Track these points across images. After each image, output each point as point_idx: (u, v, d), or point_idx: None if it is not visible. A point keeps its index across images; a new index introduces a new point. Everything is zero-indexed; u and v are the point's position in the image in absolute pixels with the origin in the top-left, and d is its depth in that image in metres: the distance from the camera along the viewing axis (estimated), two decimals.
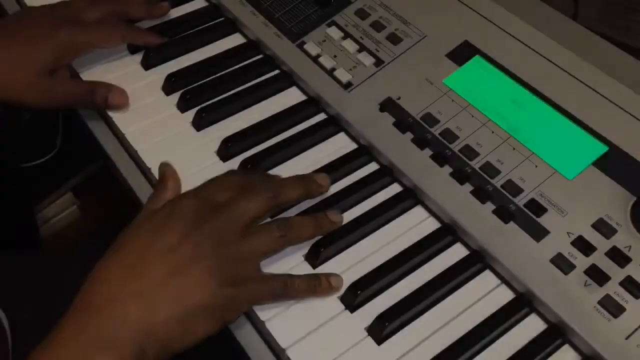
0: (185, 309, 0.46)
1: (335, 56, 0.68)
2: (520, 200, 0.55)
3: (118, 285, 0.47)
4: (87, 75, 0.70)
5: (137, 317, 0.46)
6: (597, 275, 0.51)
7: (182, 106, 0.67)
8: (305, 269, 0.55)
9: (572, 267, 0.51)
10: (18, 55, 0.64)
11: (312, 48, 0.69)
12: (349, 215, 0.58)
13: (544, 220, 0.54)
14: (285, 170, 0.61)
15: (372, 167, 0.62)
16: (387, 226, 0.58)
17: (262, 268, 0.53)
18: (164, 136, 0.65)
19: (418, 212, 0.59)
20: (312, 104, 0.67)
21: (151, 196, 0.55)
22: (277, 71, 0.71)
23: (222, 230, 0.49)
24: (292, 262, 0.55)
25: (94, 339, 0.45)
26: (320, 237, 0.56)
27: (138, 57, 0.72)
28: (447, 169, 0.58)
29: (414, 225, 0.58)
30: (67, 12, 0.68)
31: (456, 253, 0.56)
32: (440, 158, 0.59)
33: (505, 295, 0.53)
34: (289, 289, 0.51)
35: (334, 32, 0.69)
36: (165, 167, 0.57)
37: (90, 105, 0.67)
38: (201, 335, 0.48)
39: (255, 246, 0.51)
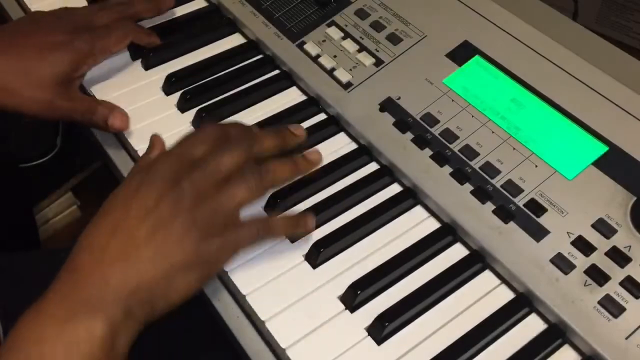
0: (167, 267, 0.47)
1: (335, 56, 0.68)
2: (520, 200, 0.55)
3: (100, 251, 0.47)
4: (88, 76, 0.70)
5: (120, 279, 0.46)
6: (597, 275, 0.51)
7: (182, 106, 0.67)
8: (306, 268, 0.55)
9: (572, 267, 0.51)
10: (30, 65, 0.62)
11: (312, 48, 0.69)
12: (349, 215, 0.58)
13: (544, 220, 0.54)
14: None
15: (372, 167, 0.62)
16: (387, 226, 0.58)
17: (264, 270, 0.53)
18: (164, 136, 0.64)
19: (418, 212, 0.59)
20: (312, 104, 0.67)
21: (136, 164, 0.57)
22: (277, 71, 0.71)
23: (198, 185, 0.50)
24: (292, 262, 0.55)
25: (79, 302, 0.45)
26: (320, 237, 0.56)
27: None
28: (447, 169, 0.58)
29: (414, 225, 0.58)
30: (80, 19, 0.67)
31: (456, 253, 0.56)
32: (440, 158, 0.59)
33: (505, 295, 0.53)
34: (268, 229, 0.52)
35: (334, 32, 0.69)
36: (154, 137, 0.58)
37: (89, 124, 0.65)
38: (185, 292, 0.49)
39: (232, 196, 0.51)
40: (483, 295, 0.53)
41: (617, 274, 0.51)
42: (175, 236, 0.48)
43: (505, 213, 0.55)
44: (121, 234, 0.47)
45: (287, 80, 0.70)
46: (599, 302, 0.50)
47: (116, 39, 0.67)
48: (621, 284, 0.50)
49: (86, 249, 0.48)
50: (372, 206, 0.58)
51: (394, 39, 0.67)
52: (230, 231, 0.50)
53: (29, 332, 0.44)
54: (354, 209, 0.59)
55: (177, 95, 0.68)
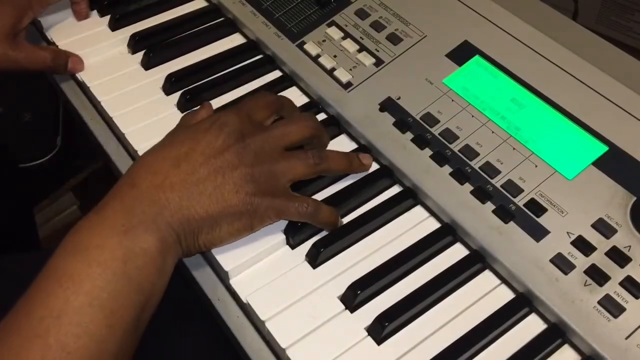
0: (219, 209, 0.51)
1: (335, 56, 0.68)
2: (520, 200, 0.55)
3: (163, 175, 0.51)
4: (87, 75, 0.71)
5: (177, 206, 0.50)
6: (597, 275, 0.51)
7: (182, 106, 0.67)
8: (306, 268, 0.55)
9: (572, 267, 0.51)
10: None
11: (312, 48, 0.69)
12: (349, 215, 0.58)
13: (544, 220, 0.54)
14: None
15: (372, 167, 0.62)
16: (387, 226, 0.58)
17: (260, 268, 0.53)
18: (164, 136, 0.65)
19: (418, 212, 0.59)
20: (312, 104, 0.67)
21: (188, 112, 0.61)
22: (277, 71, 0.71)
23: (262, 146, 0.54)
24: (292, 262, 0.55)
25: (138, 218, 0.49)
26: (323, 235, 0.56)
27: (138, 57, 0.72)
28: (447, 169, 0.58)
29: (414, 225, 0.58)
30: None
31: (456, 253, 0.56)
32: (440, 158, 0.59)
33: (505, 295, 0.53)
34: (314, 212, 0.55)
35: (334, 32, 0.69)
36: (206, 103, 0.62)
37: (52, 70, 0.71)
38: (227, 236, 0.53)
39: (290, 167, 0.55)
40: (483, 295, 0.53)
41: (617, 274, 0.51)
42: (232, 184, 0.52)
43: (505, 213, 0.55)
44: (185, 166, 0.52)
45: (287, 80, 0.70)
46: (599, 302, 0.50)
47: None
48: (621, 284, 0.50)
49: (148, 170, 0.52)
50: (372, 206, 0.58)
51: (394, 39, 0.67)
52: (281, 197, 0.54)
53: (90, 237, 0.48)
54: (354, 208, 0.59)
55: (177, 95, 0.68)
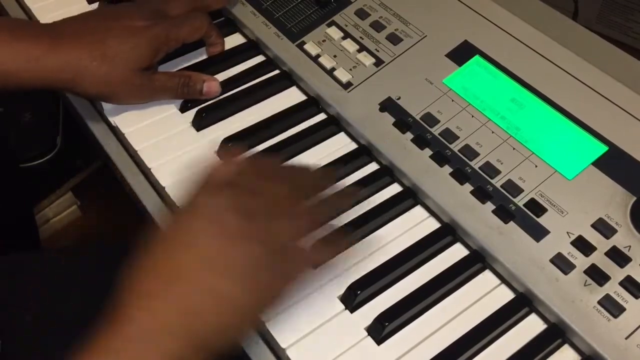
0: (221, 320, 0.45)
1: (335, 56, 0.68)
2: (520, 200, 0.55)
3: (165, 286, 0.45)
4: None
5: (179, 324, 0.44)
6: (597, 275, 0.51)
7: (182, 106, 0.67)
8: None
9: (572, 267, 0.51)
10: (115, 49, 0.63)
11: (312, 48, 0.69)
12: (349, 215, 0.58)
13: (544, 220, 0.54)
14: None
15: (372, 167, 0.62)
16: (387, 226, 0.58)
17: None
18: (164, 136, 0.65)
19: (418, 212, 0.59)
20: (312, 104, 0.67)
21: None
22: (277, 71, 0.71)
23: (253, 254, 0.46)
24: None
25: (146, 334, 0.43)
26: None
27: None
28: (447, 169, 0.58)
29: (414, 225, 0.58)
30: (156, 7, 0.68)
31: (456, 253, 0.56)
32: (440, 158, 0.59)
33: (505, 295, 0.53)
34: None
35: (334, 32, 0.69)
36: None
37: (185, 96, 0.68)
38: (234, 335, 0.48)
39: (288, 269, 0.49)
40: (483, 295, 0.53)
41: (617, 274, 0.51)
42: (226, 292, 0.45)
43: (505, 213, 0.55)
44: (185, 281, 0.45)
45: (287, 80, 0.70)
46: (598, 302, 0.50)
47: (190, 29, 0.68)
48: (621, 284, 0.50)
49: (151, 277, 0.45)
50: (372, 206, 0.58)
51: (394, 39, 0.67)
52: (291, 262, 0.49)
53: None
54: (354, 208, 0.59)
55: None
